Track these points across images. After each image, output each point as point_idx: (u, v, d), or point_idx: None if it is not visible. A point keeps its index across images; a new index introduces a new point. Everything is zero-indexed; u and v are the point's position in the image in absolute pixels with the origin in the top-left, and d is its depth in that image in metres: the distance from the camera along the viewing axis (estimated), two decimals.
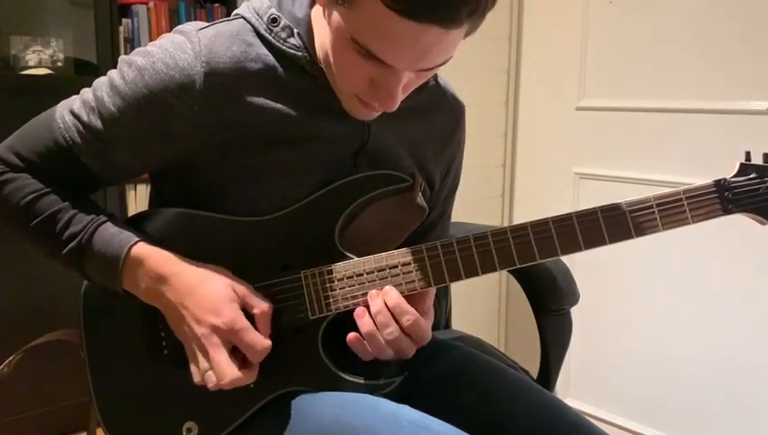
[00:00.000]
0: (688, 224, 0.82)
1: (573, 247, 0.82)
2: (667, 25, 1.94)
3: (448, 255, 0.83)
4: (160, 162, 0.89)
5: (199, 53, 0.82)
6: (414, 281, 0.83)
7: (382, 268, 0.84)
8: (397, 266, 0.84)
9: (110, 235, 0.85)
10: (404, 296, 0.82)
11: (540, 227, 0.82)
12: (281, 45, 0.85)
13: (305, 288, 0.85)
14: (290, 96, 0.85)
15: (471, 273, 0.83)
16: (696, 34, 1.88)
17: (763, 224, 0.84)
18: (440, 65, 0.78)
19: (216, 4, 2.26)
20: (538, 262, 0.82)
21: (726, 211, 0.82)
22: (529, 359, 1.31)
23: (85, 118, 0.86)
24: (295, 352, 0.86)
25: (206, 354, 0.80)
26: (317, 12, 0.84)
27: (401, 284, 0.83)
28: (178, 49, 0.82)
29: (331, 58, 0.80)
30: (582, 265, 1.72)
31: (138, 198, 2.11)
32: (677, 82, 1.93)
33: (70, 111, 0.87)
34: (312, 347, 0.85)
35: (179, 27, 0.86)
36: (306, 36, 0.85)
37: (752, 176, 0.82)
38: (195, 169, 0.86)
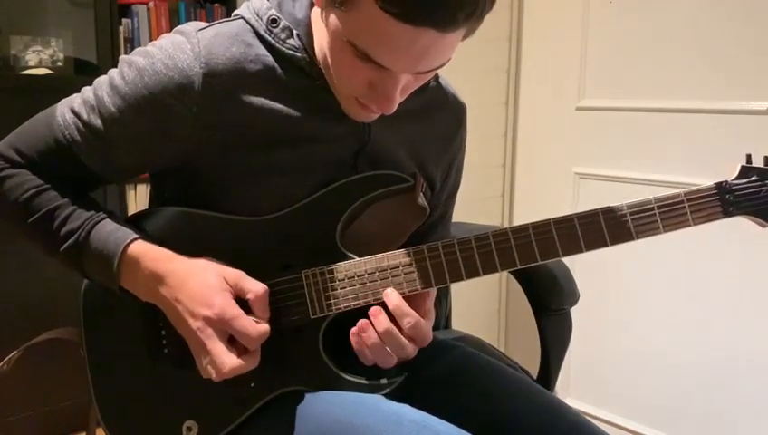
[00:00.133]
0: (689, 226, 0.82)
1: (574, 249, 0.82)
2: (667, 25, 1.94)
3: (449, 255, 0.83)
4: (160, 162, 0.89)
5: (198, 54, 0.82)
6: (415, 281, 0.83)
7: (383, 268, 0.84)
8: (398, 267, 0.84)
9: (108, 232, 0.85)
10: (404, 297, 0.82)
11: (541, 228, 0.82)
12: (280, 46, 0.85)
13: (306, 288, 0.85)
14: (289, 97, 0.85)
15: (472, 273, 0.83)
16: (696, 34, 1.88)
17: (764, 226, 0.84)
18: (438, 68, 0.78)
19: (216, 4, 2.26)
20: (539, 263, 0.82)
21: (727, 214, 0.82)
22: (529, 359, 1.31)
23: (85, 117, 0.86)
24: (296, 352, 0.86)
25: (203, 347, 0.80)
26: (316, 13, 0.84)
27: (402, 284, 0.83)
28: (178, 50, 0.82)
29: (329, 60, 0.80)
30: (582, 266, 1.72)
31: (138, 198, 2.11)
32: (677, 82, 1.93)
33: (70, 110, 0.87)
34: (312, 347, 0.85)
35: (179, 27, 0.86)
36: (306, 37, 0.85)
37: (752, 178, 0.82)
38: (195, 169, 0.87)
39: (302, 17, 0.85)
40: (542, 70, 2.31)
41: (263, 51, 0.85)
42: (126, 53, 0.88)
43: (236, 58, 0.83)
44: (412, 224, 0.92)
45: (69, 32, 2.16)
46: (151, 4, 2.15)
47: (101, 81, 0.88)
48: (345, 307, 0.84)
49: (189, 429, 0.86)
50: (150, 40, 2.11)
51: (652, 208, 0.82)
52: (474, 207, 2.29)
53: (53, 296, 1.76)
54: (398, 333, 0.80)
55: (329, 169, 0.88)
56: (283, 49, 0.85)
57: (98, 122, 0.85)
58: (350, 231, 0.88)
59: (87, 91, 0.88)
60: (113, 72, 0.87)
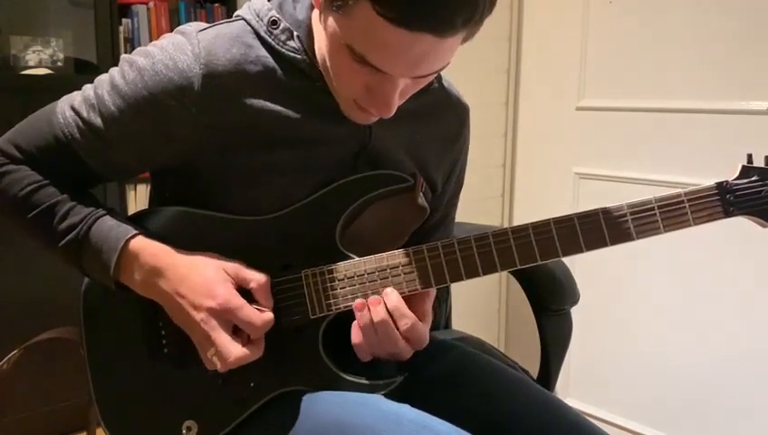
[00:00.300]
0: (689, 226, 0.82)
1: (575, 249, 0.82)
2: (667, 25, 1.94)
3: (449, 255, 0.83)
4: (160, 162, 0.89)
5: (198, 55, 0.82)
6: (415, 281, 0.83)
7: (383, 268, 0.84)
8: (398, 266, 0.84)
9: (109, 227, 0.85)
10: (404, 298, 0.82)
11: (541, 228, 0.82)
12: (280, 48, 0.85)
13: (306, 288, 0.85)
14: (289, 98, 0.85)
15: (472, 273, 0.83)
16: (696, 34, 1.88)
17: (764, 226, 0.84)
18: (437, 72, 0.77)
19: (216, 4, 2.26)
20: (539, 263, 0.82)
21: (728, 214, 0.82)
22: (529, 359, 1.31)
23: (85, 115, 0.86)
24: (295, 352, 0.86)
25: (207, 338, 0.80)
26: (317, 15, 0.83)
27: (402, 284, 0.83)
28: (178, 50, 0.83)
29: (328, 63, 0.80)
30: (582, 265, 1.72)
31: (138, 198, 2.11)
32: (677, 82, 1.93)
33: (70, 107, 0.87)
34: (312, 347, 0.85)
35: (181, 28, 0.87)
36: (306, 39, 0.85)
37: (753, 178, 0.82)
38: (195, 168, 0.87)
39: (302, 18, 0.85)
40: (542, 70, 2.31)
41: (263, 52, 0.85)
42: (126, 53, 0.88)
43: (237, 59, 0.83)
44: (412, 224, 0.92)
45: (69, 32, 2.16)
46: (151, 4, 2.15)
47: (102, 79, 0.88)
48: (345, 307, 0.84)
49: (189, 428, 0.86)
50: (150, 40, 2.11)
51: (652, 208, 0.81)
52: (474, 207, 2.28)
53: (53, 296, 1.76)
54: (393, 327, 0.80)
55: (329, 169, 0.88)
56: (284, 51, 0.85)
57: (98, 121, 0.85)
58: (350, 231, 0.88)
59: (88, 90, 0.88)
60: (114, 71, 0.87)
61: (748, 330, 1.83)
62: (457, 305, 1.47)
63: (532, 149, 2.37)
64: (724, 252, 1.84)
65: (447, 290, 1.14)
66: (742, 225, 0.86)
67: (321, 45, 0.82)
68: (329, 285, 0.85)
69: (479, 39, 0.79)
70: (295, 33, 0.85)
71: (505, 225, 2.34)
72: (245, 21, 0.86)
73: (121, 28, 2.11)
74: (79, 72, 2.16)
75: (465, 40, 0.75)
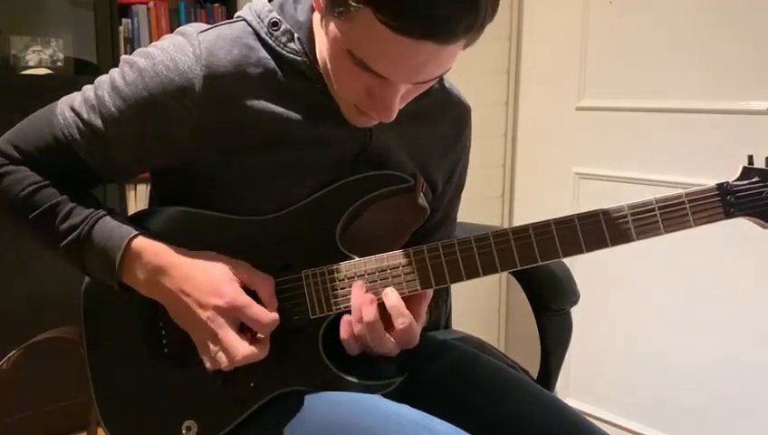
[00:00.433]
0: (690, 227, 0.82)
1: (575, 250, 0.82)
2: (667, 25, 1.94)
3: (449, 256, 0.83)
4: (160, 163, 0.89)
5: (200, 57, 0.82)
6: (415, 281, 0.83)
7: (383, 268, 0.84)
8: (398, 267, 0.84)
9: (111, 227, 0.85)
10: (402, 298, 0.82)
11: (541, 228, 0.82)
12: (281, 50, 0.84)
13: (306, 288, 0.85)
14: (290, 100, 0.85)
15: (472, 274, 0.83)
16: (696, 34, 1.88)
17: (765, 228, 0.84)
18: (438, 77, 0.77)
19: (216, 4, 2.26)
20: (539, 264, 0.82)
21: (728, 215, 0.82)
22: (529, 359, 1.31)
23: (85, 116, 0.86)
24: (295, 352, 0.86)
25: (214, 337, 0.80)
26: (317, 17, 0.83)
27: (402, 284, 0.83)
28: (179, 52, 0.83)
29: (329, 67, 0.80)
30: (582, 265, 1.71)
31: (138, 198, 2.11)
32: (677, 82, 1.93)
33: (70, 108, 0.87)
34: (312, 347, 0.85)
35: (181, 29, 0.86)
36: (307, 41, 0.85)
37: (754, 179, 0.82)
38: (195, 169, 0.87)
39: (303, 20, 0.85)
40: (542, 70, 2.31)
41: (264, 53, 0.85)
42: (126, 53, 0.88)
43: (237, 61, 0.83)
44: (412, 224, 0.92)
45: (69, 32, 2.16)
46: (151, 4, 2.15)
47: (102, 80, 0.88)
48: (345, 307, 0.84)
49: (189, 428, 0.86)
50: (150, 40, 2.11)
51: (653, 209, 0.81)
52: (474, 207, 2.28)
53: (53, 296, 1.76)
54: (382, 328, 0.81)
55: (329, 170, 0.88)
56: (284, 52, 0.85)
57: (98, 122, 0.85)
58: (350, 231, 0.88)
59: (88, 90, 0.88)
60: (114, 71, 0.87)
61: (748, 330, 1.83)
62: (457, 305, 1.47)
63: (532, 149, 2.37)
64: (725, 253, 1.84)
65: (447, 290, 1.14)
66: (742, 226, 0.86)
67: (321, 48, 0.82)
68: (329, 285, 0.85)
69: (479, 39, 0.79)
70: (296, 35, 0.85)
71: (505, 225, 2.33)
72: (246, 22, 0.86)
73: (121, 28, 2.11)
74: (79, 72, 2.16)
75: (466, 46, 0.74)
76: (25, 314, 1.89)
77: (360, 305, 0.81)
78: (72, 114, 0.87)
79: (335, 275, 0.85)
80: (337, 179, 0.87)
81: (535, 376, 1.28)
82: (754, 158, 0.84)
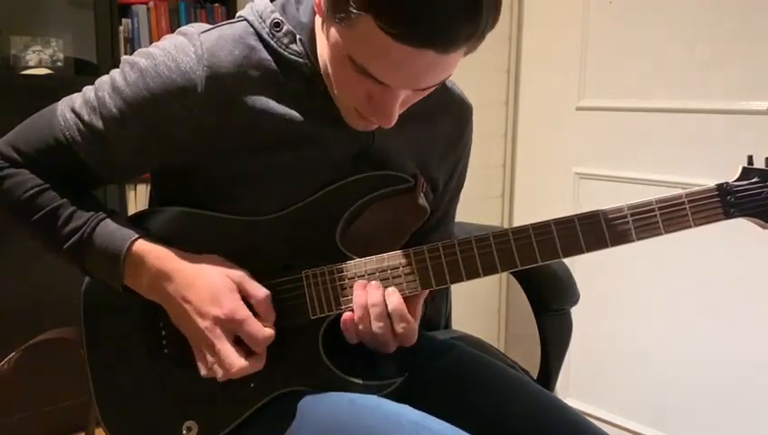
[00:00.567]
0: (690, 227, 0.82)
1: (575, 250, 0.82)
2: (667, 25, 1.94)
3: (450, 256, 0.83)
4: (161, 163, 0.89)
5: (201, 57, 0.82)
6: (415, 281, 0.83)
7: (384, 269, 0.84)
8: (398, 267, 0.84)
9: (112, 230, 0.85)
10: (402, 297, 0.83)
11: (541, 228, 0.82)
12: (282, 51, 0.84)
13: (306, 288, 0.85)
14: (291, 100, 0.85)
15: (472, 274, 0.83)
16: (696, 34, 1.88)
17: (764, 228, 0.84)
18: (438, 84, 0.77)
19: (216, 4, 2.26)
20: (540, 264, 0.82)
21: (728, 215, 0.82)
22: (529, 359, 1.30)
23: (86, 117, 0.86)
24: (296, 352, 0.86)
25: (211, 347, 0.80)
26: (320, 19, 0.83)
27: (402, 284, 0.83)
28: (181, 52, 0.82)
29: (330, 71, 0.80)
30: (582, 265, 1.71)
31: (138, 198, 2.11)
32: (677, 82, 1.93)
33: (71, 109, 0.87)
34: (312, 347, 0.85)
35: (183, 29, 0.86)
36: (309, 43, 0.85)
37: (754, 180, 0.82)
38: (195, 169, 0.87)
39: (305, 21, 0.85)
40: (542, 70, 2.31)
41: (265, 54, 0.85)
42: (126, 54, 0.88)
43: (239, 61, 0.83)
44: (413, 224, 0.92)
45: (69, 32, 2.16)
46: (151, 4, 2.15)
47: (103, 81, 0.88)
48: (345, 308, 0.84)
49: (189, 428, 0.86)
50: (150, 40, 2.11)
51: (653, 209, 0.82)
52: (474, 207, 2.28)
53: (53, 296, 1.76)
54: (389, 328, 0.81)
55: (330, 170, 0.88)
56: (286, 53, 0.84)
57: (99, 123, 0.85)
58: (350, 231, 0.88)
59: (88, 91, 0.88)
60: (115, 72, 0.87)
61: (749, 330, 1.83)
62: (457, 305, 1.47)
63: (532, 149, 2.37)
64: (725, 252, 1.84)
65: (448, 290, 1.14)
66: (742, 226, 0.86)
67: (323, 51, 0.82)
68: (329, 285, 0.85)
69: None
70: (298, 37, 0.84)
71: (505, 225, 2.33)
72: (248, 22, 0.86)
73: (121, 28, 2.11)
74: (79, 72, 2.15)
75: (467, 53, 0.75)
76: (25, 315, 1.89)
77: (364, 305, 0.81)
78: (73, 115, 0.87)
79: (335, 275, 0.85)
80: (337, 180, 0.87)
81: (535, 376, 1.28)
82: (754, 158, 0.84)
